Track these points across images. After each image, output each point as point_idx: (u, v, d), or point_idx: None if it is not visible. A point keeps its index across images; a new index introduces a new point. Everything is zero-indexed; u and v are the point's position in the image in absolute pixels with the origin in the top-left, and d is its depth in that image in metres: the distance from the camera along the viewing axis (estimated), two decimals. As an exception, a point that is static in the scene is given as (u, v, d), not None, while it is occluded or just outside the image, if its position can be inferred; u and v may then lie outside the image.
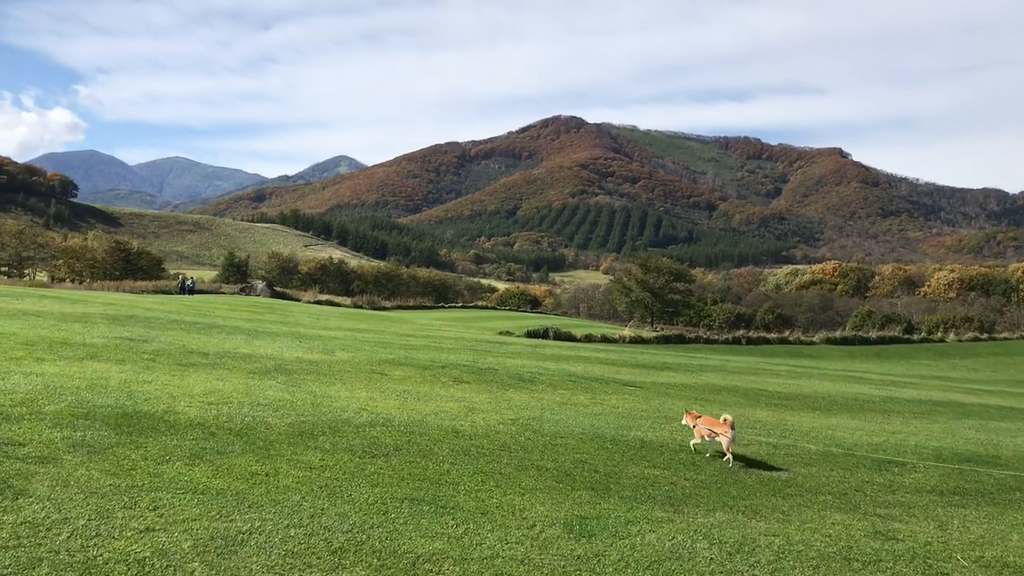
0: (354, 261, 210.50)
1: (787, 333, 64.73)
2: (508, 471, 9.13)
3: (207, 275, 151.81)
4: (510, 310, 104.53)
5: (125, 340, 17.34)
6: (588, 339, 46.30)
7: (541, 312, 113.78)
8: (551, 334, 45.43)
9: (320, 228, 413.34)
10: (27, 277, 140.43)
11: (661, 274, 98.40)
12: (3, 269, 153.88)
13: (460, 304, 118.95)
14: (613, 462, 10.35)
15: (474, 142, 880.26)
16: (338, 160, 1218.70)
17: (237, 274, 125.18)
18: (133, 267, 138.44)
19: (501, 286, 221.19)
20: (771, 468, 11.03)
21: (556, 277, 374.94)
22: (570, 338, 45.56)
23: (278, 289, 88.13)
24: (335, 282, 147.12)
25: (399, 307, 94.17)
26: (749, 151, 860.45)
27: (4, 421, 8.57)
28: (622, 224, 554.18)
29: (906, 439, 14.89)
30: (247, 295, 77.58)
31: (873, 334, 63.07)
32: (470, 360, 21.56)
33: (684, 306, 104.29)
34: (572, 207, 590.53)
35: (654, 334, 56.58)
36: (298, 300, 75.76)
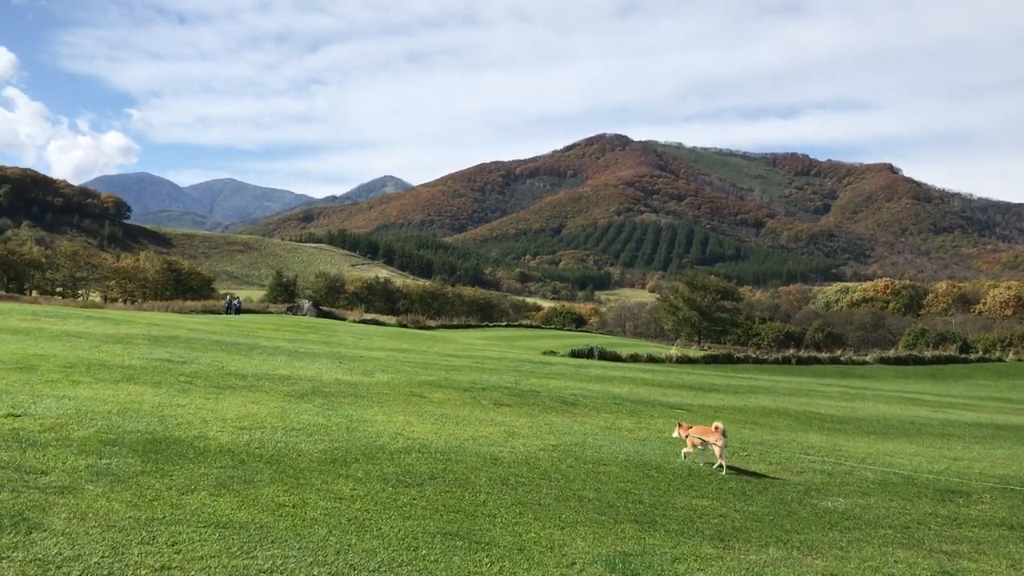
0: (400, 280, 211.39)
1: (838, 352, 63.35)
2: (548, 502, 8.70)
3: (256, 295, 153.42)
4: (555, 329, 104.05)
5: (164, 362, 17.25)
6: (634, 359, 45.66)
7: (586, 331, 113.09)
8: (596, 354, 44.85)
9: (367, 248, 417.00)
10: (80, 297, 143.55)
11: (708, 292, 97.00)
12: (58, 290, 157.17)
13: (505, 323, 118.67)
14: (659, 492, 9.85)
15: (519, 161, 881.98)
16: (384, 180, 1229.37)
17: (285, 293, 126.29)
18: (184, 287, 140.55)
19: (546, 304, 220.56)
20: (826, 497, 10.45)
21: (601, 295, 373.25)
22: (615, 358, 44.93)
23: (324, 308, 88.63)
24: (381, 301, 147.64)
25: (444, 326, 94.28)
26: (797, 167, 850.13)
27: (30, 448, 8.36)
28: (668, 242, 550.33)
29: (969, 466, 14.14)
30: (293, 314, 78.09)
31: (928, 353, 61.39)
32: (512, 382, 21.16)
33: (732, 325, 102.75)
34: (618, 225, 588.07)
35: (701, 353, 55.68)
36: (344, 319, 76.06)
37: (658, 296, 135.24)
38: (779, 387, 30.94)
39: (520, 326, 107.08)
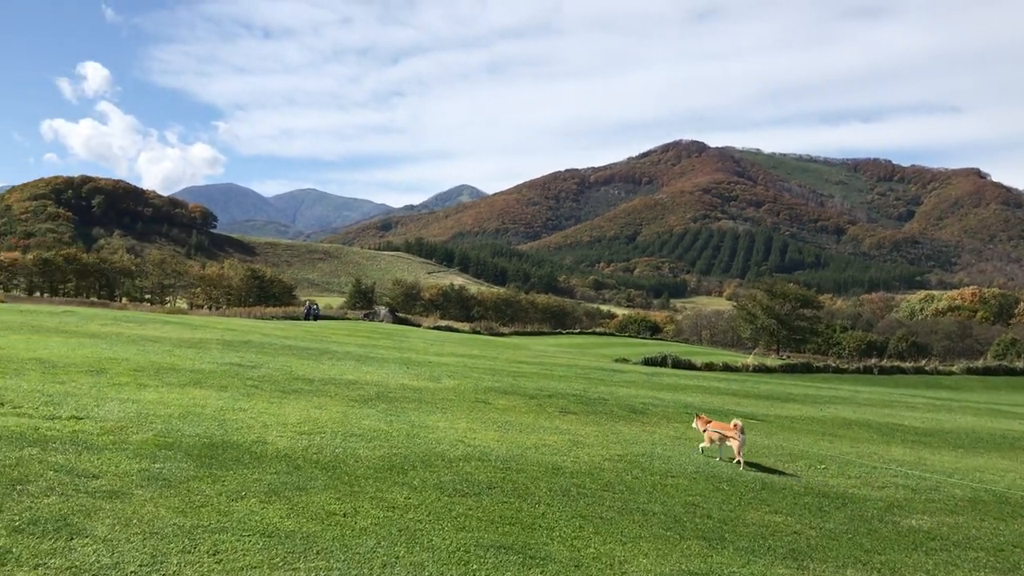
0: (474, 287, 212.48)
1: (923, 362, 61.05)
2: (610, 515, 8.29)
3: (336, 301, 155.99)
4: (629, 336, 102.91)
5: (233, 366, 17.35)
6: (708, 367, 44.66)
7: (661, 339, 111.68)
8: (669, 362, 44.06)
9: (442, 255, 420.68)
10: (168, 304, 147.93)
11: (787, 300, 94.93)
12: (146, 296, 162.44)
13: (578, 330, 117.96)
14: (729, 506, 9.35)
15: (593, 168, 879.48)
16: (460, 189, 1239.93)
17: (363, 300, 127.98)
18: (266, 294, 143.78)
19: (620, 312, 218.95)
20: (910, 515, 9.80)
21: (677, 303, 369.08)
22: (689, 366, 44.04)
23: (400, 315, 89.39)
24: (456, 308, 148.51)
25: (516, 333, 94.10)
26: (879, 173, 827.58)
27: (86, 451, 8.32)
28: (746, 249, 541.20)
29: (1069, 484, 13.21)
30: (370, 321, 78.95)
31: (1020, 364, 58.69)
32: (580, 389, 20.75)
33: (811, 333, 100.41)
34: (694, 232, 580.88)
35: (779, 362, 54.27)
36: (418, 326, 76.58)
37: (735, 304, 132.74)
38: (860, 397, 29.82)
39: (593, 333, 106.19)
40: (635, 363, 43.43)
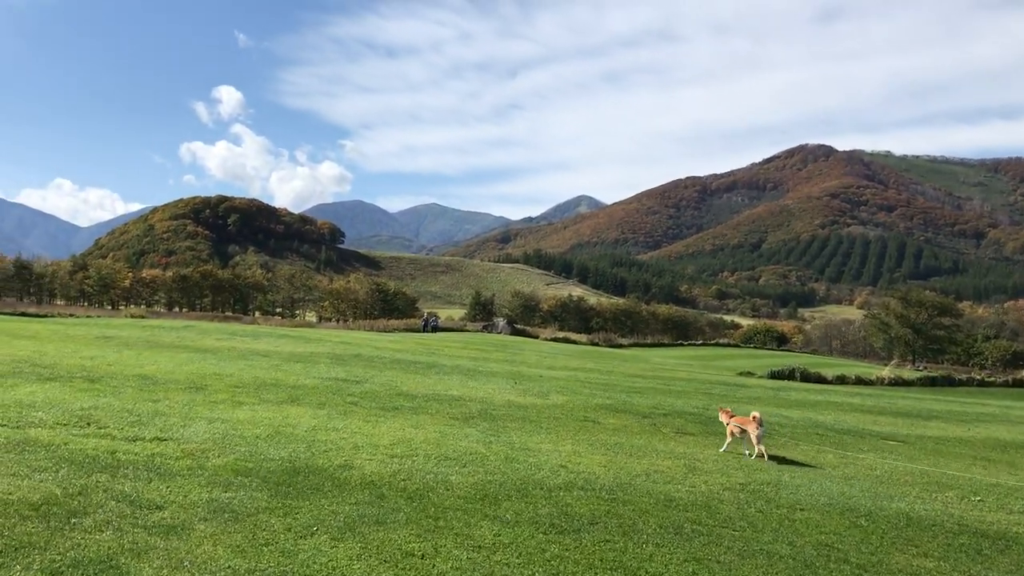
0: (593, 298, 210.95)
1: (1082, 375, 56.29)
2: (729, 558, 7.21)
3: (457, 313, 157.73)
4: (754, 348, 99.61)
5: (337, 381, 16.96)
6: (840, 380, 42.21)
7: (788, 350, 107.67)
8: (797, 375, 41.84)
9: (561, 266, 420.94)
10: (297, 317, 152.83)
11: (923, 308, 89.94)
12: (277, 310, 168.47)
13: (700, 341, 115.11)
14: (869, 548, 8.08)
15: (715, 175, 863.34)
16: (579, 200, 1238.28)
17: (483, 312, 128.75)
18: (390, 307, 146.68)
19: (745, 322, 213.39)
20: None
21: (805, 313, 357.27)
22: (819, 380, 41.71)
23: (518, 326, 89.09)
24: (574, 319, 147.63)
25: (636, 344, 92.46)
26: (1023, 173, 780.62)
27: (157, 478, 7.82)
28: (877, 255, 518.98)
29: None
30: (488, 332, 78.87)
31: None
32: (700, 406, 19.47)
33: (950, 343, 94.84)
34: (822, 239, 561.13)
35: (917, 374, 50.99)
36: (536, 337, 76.02)
37: (867, 313, 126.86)
38: (1013, 415, 27.26)
39: (716, 345, 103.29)
40: (760, 376, 41.47)
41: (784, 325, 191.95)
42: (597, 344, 79.33)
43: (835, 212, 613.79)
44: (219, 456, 8.98)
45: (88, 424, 9.93)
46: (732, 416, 13.22)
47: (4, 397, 11.20)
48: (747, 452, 12.93)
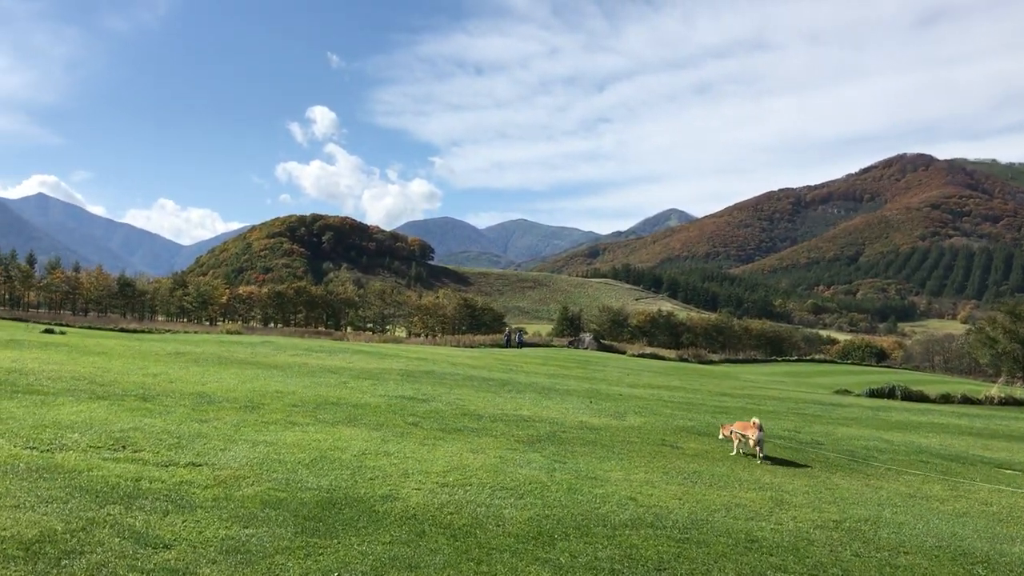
0: (683, 313, 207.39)
1: None
2: (817, 618, 6.10)
3: (544, 328, 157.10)
4: (852, 364, 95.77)
5: (402, 400, 16.25)
6: (945, 399, 39.63)
7: (888, 366, 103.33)
8: (898, 393, 39.45)
9: (650, 281, 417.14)
10: (387, 332, 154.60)
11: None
12: (368, 325, 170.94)
13: (795, 357, 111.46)
14: (988, 605, 6.85)
15: (809, 187, 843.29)
16: (668, 214, 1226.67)
17: (570, 327, 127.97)
18: (478, 322, 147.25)
19: (842, 338, 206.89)
20: None
21: (905, 327, 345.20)
22: (922, 398, 39.23)
23: (605, 342, 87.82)
24: (664, 335, 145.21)
25: (727, 360, 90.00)
26: None
27: (176, 510, 7.14)
28: (982, 268, 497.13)
29: None
30: (574, 348, 77.87)
31: None
32: (791, 428, 18.08)
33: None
34: (922, 251, 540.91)
35: (1031, 394, 47.68)
36: (623, 353, 74.59)
37: (972, 327, 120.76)
38: None
39: (812, 361, 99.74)
40: (858, 395, 39.28)
41: (883, 340, 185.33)
42: (686, 360, 77.35)
43: (936, 223, 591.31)
44: (252, 484, 8.28)
45: (123, 447, 9.38)
46: (732, 427, 14.09)
47: (46, 417, 10.79)
48: (755, 457, 13.36)
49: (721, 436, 14.36)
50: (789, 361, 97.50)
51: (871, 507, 10.28)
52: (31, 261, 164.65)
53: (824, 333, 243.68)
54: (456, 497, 8.63)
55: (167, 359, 20.23)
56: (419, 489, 8.82)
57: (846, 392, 40.23)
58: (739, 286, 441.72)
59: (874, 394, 39.32)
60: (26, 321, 60.14)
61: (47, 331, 35.86)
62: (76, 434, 9.81)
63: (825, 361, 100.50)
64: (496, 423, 14.30)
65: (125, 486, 7.71)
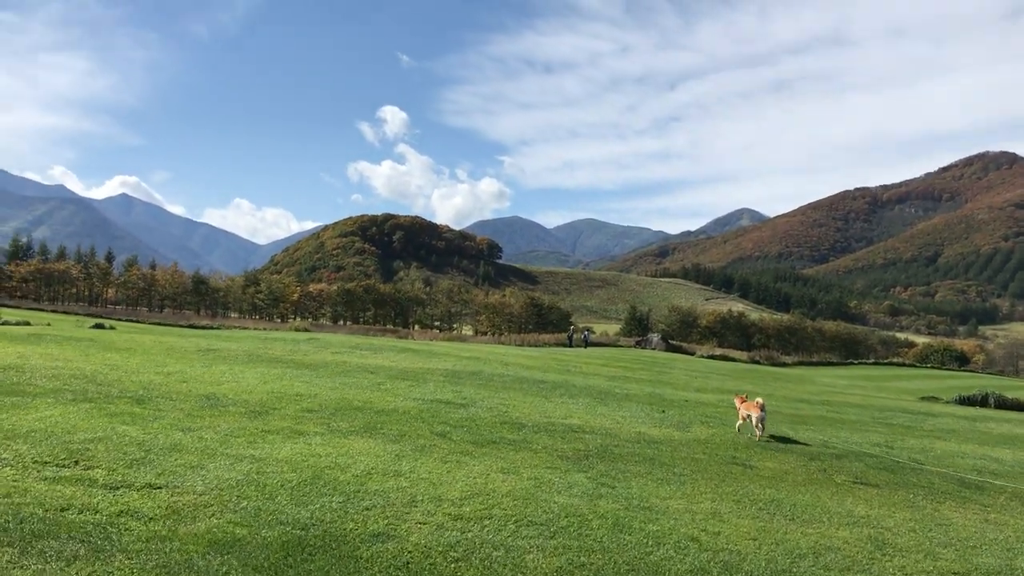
0: (755, 314, 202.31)
1: None
2: None
3: (612, 328, 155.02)
4: (931, 368, 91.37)
5: (438, 404, 14.49)
6: (1046, 408, 36.37)
7: (970, 370, 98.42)
8: (991, 400, 36.33)
9: (720, 281, 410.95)
10: (454, 330, 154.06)
11: None
12: (436, 323, 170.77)
13: (872, 360, 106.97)
14: None
15: (885, 186, 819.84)
16: (740, 213, 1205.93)
17: (638, 327, 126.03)
18: (544, 320, 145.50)
19: (920, 340, 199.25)
20: None
21: (987, 330, 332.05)
22: (1019, 407, 36.09)
23: (673, 342, 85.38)
24: (734, 335, 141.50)
25: (800, 363, 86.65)
26: None
27: (89, 555, 5.47)
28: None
29: None
30: (641, 348, 75.72)
31: None
32: (882, 443, 15.79)
33: None
34: (1005, 252, 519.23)
35: None
36: (691, 354, 72.03)
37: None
38: None
39: (889, 364, 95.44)
40: (947, 402, 36.33)
41: (964, 344, 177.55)
42: (758, 362, 74.38)
43: (1020, 223, 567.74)
44: (211, 516, 6.59)
45: (76, 462, 7.76)
46: (744, 402, 15.04)
47: (4, 423, 9.26)
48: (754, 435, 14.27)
49: (736, 404, 15.41)
50: (866, 364, 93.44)
51: (999, 553, 8.13)
52: (109, 259, 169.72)
53: (901, 335, 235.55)
54: (469, 535, 6.84)
55: (193, 356, 18.82)
56: (424, 524, 7.04)
57: (933, 399, 37.29)
58: (813, 287, 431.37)
59: (965, 401, 36.33)
60: (87, 316, 60.40)
61: (96, 326, 35.25)
62: (26, 445, 8.22)
63: (904, 364, 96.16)
64: (539, 434, 12.42)
65: (46, 517, 6.10)
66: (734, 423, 15.64)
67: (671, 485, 9.74)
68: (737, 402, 15.26)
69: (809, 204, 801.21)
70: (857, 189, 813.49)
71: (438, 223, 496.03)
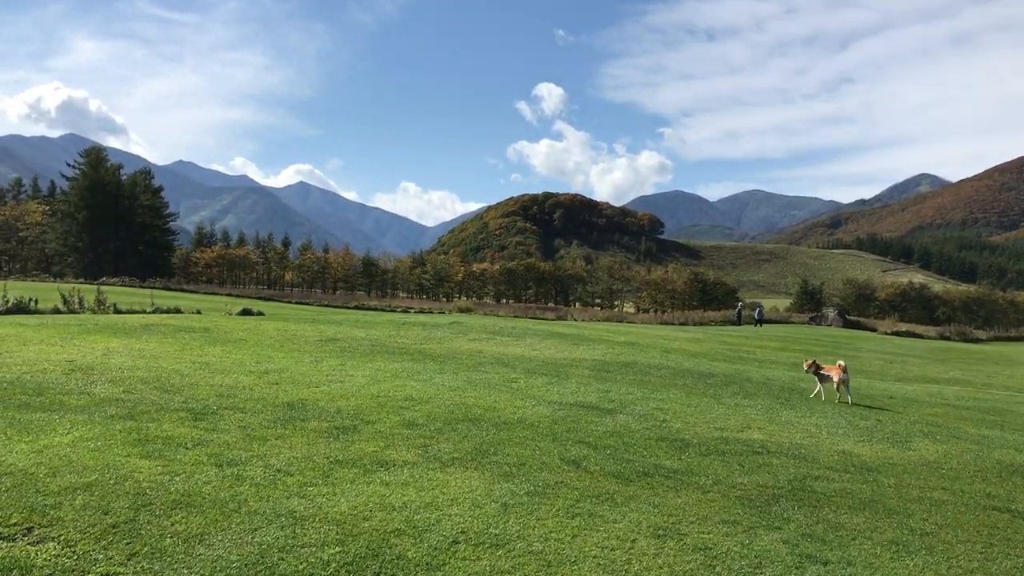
0: (938, 285, 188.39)
1: None
2: None
3: (782, 303, 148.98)
4: None
5: (576, 410, 11.52)
6: None
7: None
8: None
9: (899, 251, 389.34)
10: (616, 308, 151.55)
11: None
12: (597, 301, 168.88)
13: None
14: None
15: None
16: (918, 179, 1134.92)
17: (810, 302, 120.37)
18: (708, 296, 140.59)
19: None
20: None
21: None
22: None
23: (851, 318, 79.37)
24: (916, 309, 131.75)
25: (997, 339, 78.36)
26: None
27: None
28: None
29: None
30: (816, 324, 70.81)
31: None
32: None
33: None
34: None
35: None
36: (873, 330, 66.22)
37: None
38: None
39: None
40: None
41: None
42: (948, 338, 67.45)
43: None
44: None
45: (27, 531, 5.34)
46: (820, 368, 14.80)
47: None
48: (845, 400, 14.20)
49: (806, 370, 15.19)
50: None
51: None
52: (286, 243, 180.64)
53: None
54: None
55: (307, 348, 16.67)
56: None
57: None
58: (1002, 255, 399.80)
59: None
60: (254, 299, 60.84)
61: (244, 311, 34.38)
62: (-18, 497, 5.90)
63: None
64: (708, 457, 9.24)
65: None
66: (967, 434, 11.98)
67: (912, 554, 6.36)
68: (806, 366, 15.07)
69: (996, 166, 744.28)
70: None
71: (598, 200, 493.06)
